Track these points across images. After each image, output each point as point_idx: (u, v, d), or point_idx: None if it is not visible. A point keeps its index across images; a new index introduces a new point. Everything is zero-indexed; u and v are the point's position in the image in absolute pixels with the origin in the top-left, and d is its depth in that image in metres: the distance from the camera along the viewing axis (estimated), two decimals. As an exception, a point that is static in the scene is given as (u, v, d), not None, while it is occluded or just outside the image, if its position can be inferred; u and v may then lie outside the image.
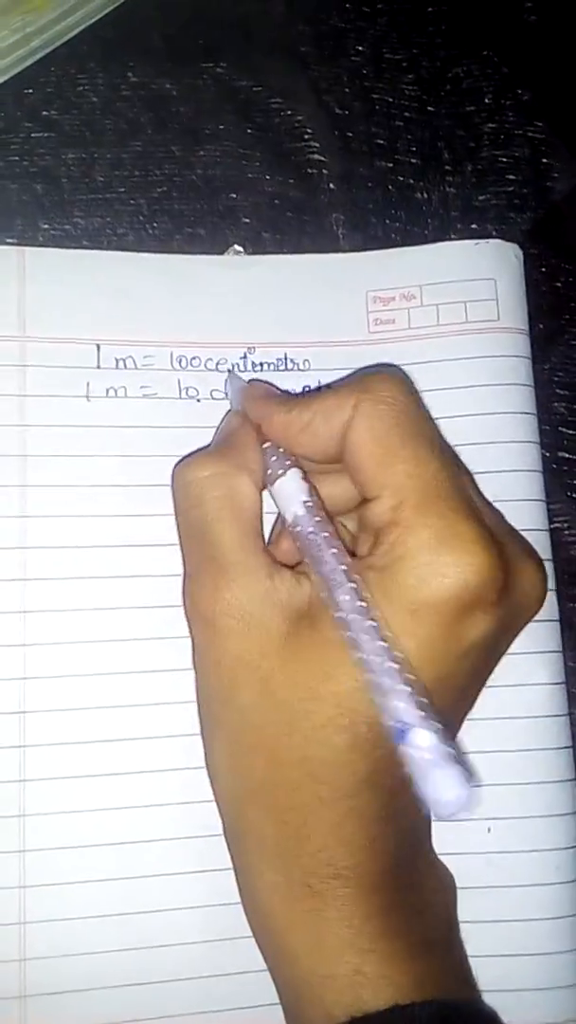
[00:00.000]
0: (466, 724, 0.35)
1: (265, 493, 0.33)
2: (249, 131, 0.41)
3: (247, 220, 0.40)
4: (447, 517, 0.29)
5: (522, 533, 0.36)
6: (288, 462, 0.32)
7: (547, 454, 0.39)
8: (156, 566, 0.35)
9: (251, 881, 0.31)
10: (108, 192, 0.40)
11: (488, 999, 0.34)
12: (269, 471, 0.32)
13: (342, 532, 0.33)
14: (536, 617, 0.36)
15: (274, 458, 0.33)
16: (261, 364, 0.38)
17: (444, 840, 0.35)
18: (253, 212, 0.41)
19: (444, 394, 0.37)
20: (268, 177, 0.41)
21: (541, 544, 0.37)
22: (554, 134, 0.42)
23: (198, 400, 0.37)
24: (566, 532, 0.39)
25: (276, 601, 0.30)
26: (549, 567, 0.37)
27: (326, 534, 0.30)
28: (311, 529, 0.30)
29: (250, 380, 0.37)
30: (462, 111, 0.42)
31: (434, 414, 0.36)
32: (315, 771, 0.29)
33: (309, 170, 0.41)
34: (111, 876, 0.34)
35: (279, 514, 0.33)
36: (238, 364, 0.38)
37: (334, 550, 0.29)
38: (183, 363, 0.38)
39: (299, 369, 0.38)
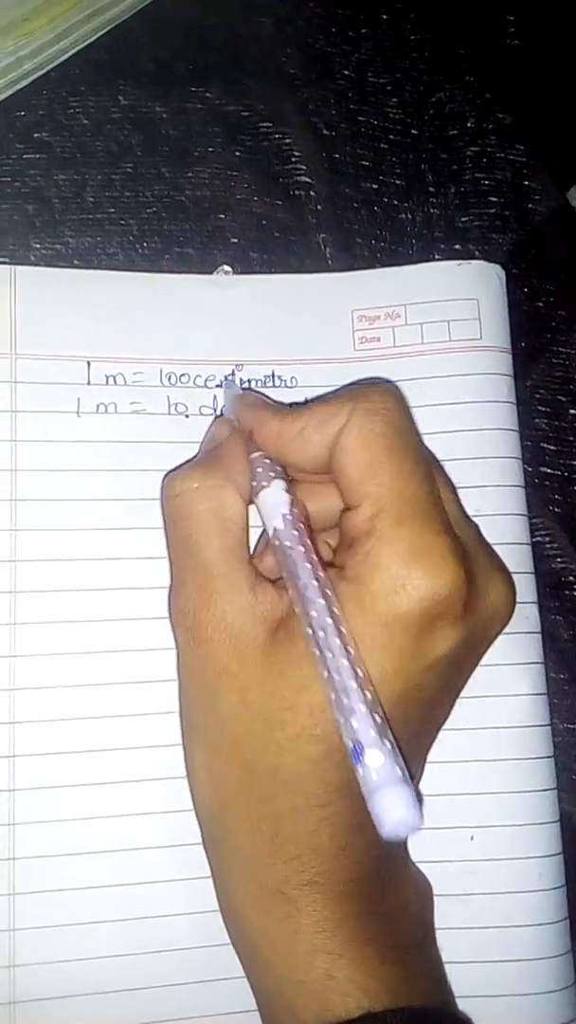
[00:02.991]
0: (450, 734, 0.36)
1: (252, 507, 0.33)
2: (237, 153, 0.42)
3: (235, 240, 0.41)
4: (420, 531, 0.29)
5: (504, 547, 0.37)
6: (272, 473, 0.33)
7: (529, 469, 0.40)
8: (144, 579, 0.36)
9: (227, 888, 0.31)
10: (98, 213, 0.41)
11: (472, 1005, 0.35)
12: (254, 482, 0.33)
13: (325, 549, 0.34)
14: (518, 629, 0.37)
15: (260, 469, 0.33)
16: (249, 381, 0.38)
17: (428, 848, 0.35)
18: (241, 233, 0.41)
19: (428, 411, 0.38)
20: (256, 198, 0.42)
21: (523, 557, 0.38)
22: (535, 157, 0.43)
23: (187, 416, 0.38)
24: (547, 546, 0.40)
25: (257, 614, 0.31)
26: (531, 580, 0.38)
27: (302, 548, 0.31)
28: (288, 543, 0.31)
29: (244, 389, 0.38)
30: (445, 134, 0.43)
31: (419, 430, 0.37)
32: (288, 780, 0.29)
33: (296, 191, 0.42)
34: (101, 883, 0.34)
35: (263, 529, 0.33)
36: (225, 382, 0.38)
37: (308, 565, 0.30)
38: (172, 380, 0.38)
39: (286, 386, 0.39)
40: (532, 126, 0.44)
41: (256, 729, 0.30)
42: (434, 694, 0.31)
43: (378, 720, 0.27)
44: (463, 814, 0.36)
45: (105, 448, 0.37)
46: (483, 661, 0.36)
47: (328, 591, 0.29)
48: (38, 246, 0.40)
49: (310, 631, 0.29)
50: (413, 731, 0.31)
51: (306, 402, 0.34)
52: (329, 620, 0.28)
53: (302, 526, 0.31)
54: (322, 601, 0.29)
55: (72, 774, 0.35)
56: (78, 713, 0.35)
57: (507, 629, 0.36)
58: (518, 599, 0.37)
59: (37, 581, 0.36)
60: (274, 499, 0.32)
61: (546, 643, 0.38)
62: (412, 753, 0.32)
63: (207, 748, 0.32)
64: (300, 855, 0.30)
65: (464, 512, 0.34)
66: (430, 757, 0.36)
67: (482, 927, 0.36)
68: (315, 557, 0.30)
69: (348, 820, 0.29)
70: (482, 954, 0.35)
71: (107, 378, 0.38)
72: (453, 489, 0.34)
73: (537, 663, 0.37)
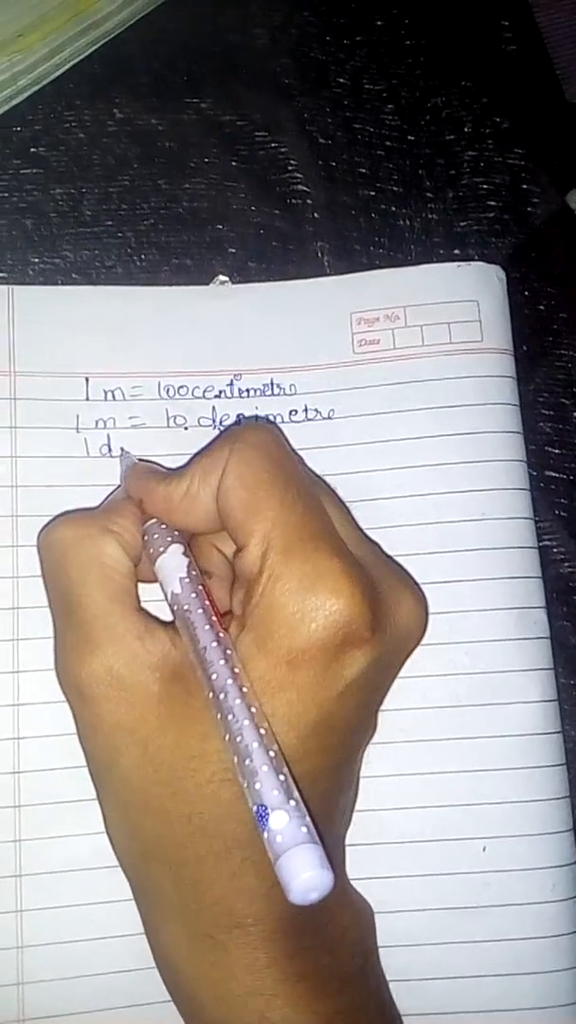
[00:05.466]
0: (460, 743, 0.36)
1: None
2: (234, 163, 0.42)
3: (233, 250, 0.41)
4: (311, 560, 0.29)
5: (510, 551, 0.37)
6: (170, 538, 0.32)
7: (534, 473, 0.39)
8: (143, 591, 0.35)
9: (157, 936, 0.31)
10: (96, 226, 0.41)
11: (486, 1020, 0.34)
12: (151, 550, 0.32)
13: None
14: (527, 635, 0.36)
15: (156, 536, 0.32)
16: (248, 391, 0.38)
17: (439, 860, 0.35)
18: (239, 242, 0.41)
19: (430, 413, 0.38)
20: (253, 208, 0.42)
21: (530, 562, 0.37)
22: (533, 160, 0.43)
23: (185, 428, 0.38)
24: (554, 550, 0.39)
25: (148, 663, 0.30)
26: (538, 585, 0.37)
27: (200, 610, 0.30)
28: (187, 606, 0.30)
29: (139, 459, 0.37)
30: (442, 140, 0.43)
31: (421, 434, 0.38)
32: (204, 826, 0.29)
33: (293, 200, 0.42)
34: (108, 898, 0.34)
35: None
36: (225, 391, 0.38)
37: (208, 626, 0.29)
38: (171, 392, 0.38)
39: (285, 394, 0.38)
40: (530, 130, 0.43)
41: (163, 780, 0.29)
42: (351, 719, 0.30)
43: (282, 779, 0.26)
44: (474, 825, 0.36)
45: (104, 463, 0.37)
46: (491, 668, 0.36)
47: (229, 651, 0.29)
48: (36, 260, 0.40)
49: (211, 694, 0.28)
50: (335, 760, 0.31)
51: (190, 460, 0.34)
52: (230, 681, 0.28)
53: (201, 588, 0.31)
54: (222, 662, 0.28)
55: (77, 788, 0.34)
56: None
57: (515, 635, 0.36)
58: (526, 604, 0.37)
59: (40, 597, 0.35)
60: (171, 564, 0.31)
61: (555, 649, 0.37)
62: (338, 782, 0.31)
63: (116, 803, 0.31)
64: (225, 898, 0.29)
65: (360, 531, 0.33)
66: (439, 767, 0.36)
67: (495, 940, 0.35)
68: (215, 618, 0.30)
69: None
70: (495, 968, 0.35)
71: (105, 393, 0.38)
72: (346, 510, 0.33)
73: (547, 669, 0.37)
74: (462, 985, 0.35)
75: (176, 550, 0.32)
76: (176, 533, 0.32)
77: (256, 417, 0.38)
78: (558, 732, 0.37)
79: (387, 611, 0.30)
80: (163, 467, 0.37)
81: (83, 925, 0.34)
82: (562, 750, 0.37)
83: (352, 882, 0.33)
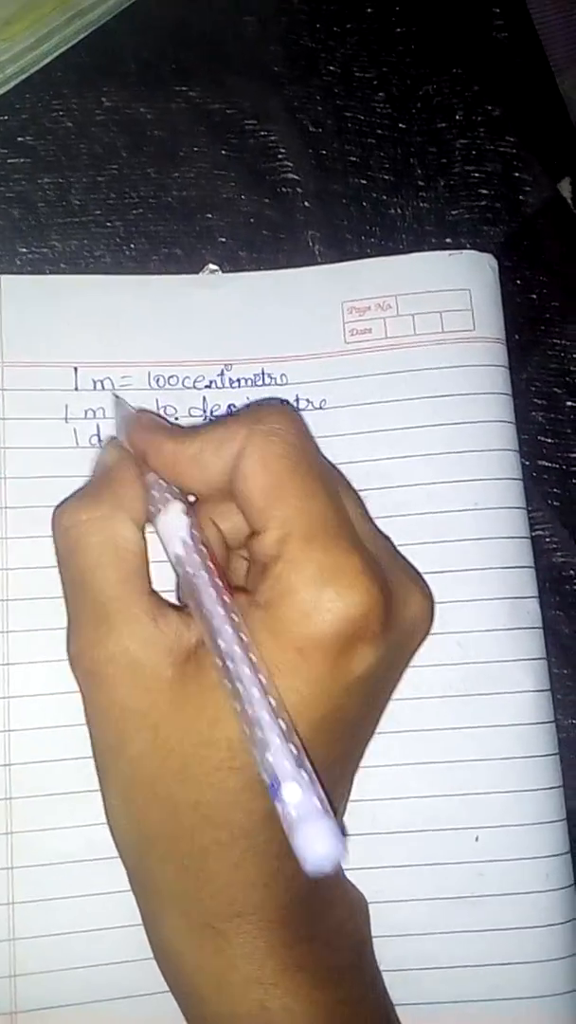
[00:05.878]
0: (452, 733, 0.36)
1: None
2: (223, 152, 0.42)
3: (223, 239, 0.41)
4: (330, 551, 0.29)
5: (502, 541, 0.37)
6: (169, 496, 0.32)
7: (527, 463, 0.39)
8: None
9: (157, 927, 0.30)
10: (84, 215, 0.40)
11: (481, 1009, 0.34)
12: (151, 507, 0.32)
13: (242, 566, 0.33)
14: (520, 625, 0.36)
15: (155, 493, 0.32)
16: (238, 380, 0.38)
17: (433, 850, 0.35)
18: (229, 231, 0.41)
19: (422, 403, 0.38)
20: (243, 197, 0.41)
21: (522, 552, 0.37)
22: (525, 148, 0.43)
23: (176, 418, 0.38)
24: (547, 540, 0.39)
25: (161, 646, 0.29)
26: (531, 575, 0.37)
27: (205, 573, 0.29)
28: (190, 569, 0.30)
29: (138, 408, 0.36)
30: (433, 127, 0.43)
31: (413, 423, 0.37)
32: (210, 815, 0.28)
33: (284, 189, 0.41)
34: (101, 890, 0.34)
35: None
36: (215, 381, 0.38)
37: (213, 591, 0.29)
38: (161, 382, 0.38)
39: (276, 384, 0.38)
40: (522, 117, 0.43)
41: (172, 767, 0.29)
42: (357, 714, 0.30)
43: (294, 752, 0.26)
44: (467, 815, 0.35)
45: (94, 454, 0.37)
46: (484, 658, 0.36)
47: (236, 617, 0.28)
48: (24, 251, 0.40)
49: (219, 662, 0.28)
50: (338, 753, 0.30)
51: (208, 422, 0.33)
52: (238, 649, 0.27)
53: (204, 549, 0.30)
54: (230, 629, 0.28)
55: (68, 781, 0.34)
56: (74, 720, 0.34)
57: (507, 625, 0.36)
58: (519, 594, 0.37)
59: (28, 589, 0.35)
60: (173, 523, 0.31)
61: (548, 638, 0.37)
62: (339, 775, 0.31)
63: (121, 790, 0.30)
64: (227, 888, 0.29)
65: (374, 525, 0.33)
66: (432, 757, 0.36)
67: (490, 930, 0.35)
68: (220, 582, 0.29)
69: (274, 849, 0.28)
70: (490, 957, 0.35)
71: (95, 383, 0.38)
72: (361, 503, 0.33)
73: (539, 659, 0.37)
74: (456, 975, 0.35)
75: (176, 508, 0.31)
76: (176, 490, 0.32)
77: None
78: (551, 722, 0.37)
79: (397, 608, 0.30)
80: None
81: (76, 917, 0.34)
82: (555, 740, 0.37)
83: (346, 872, 0.33)
